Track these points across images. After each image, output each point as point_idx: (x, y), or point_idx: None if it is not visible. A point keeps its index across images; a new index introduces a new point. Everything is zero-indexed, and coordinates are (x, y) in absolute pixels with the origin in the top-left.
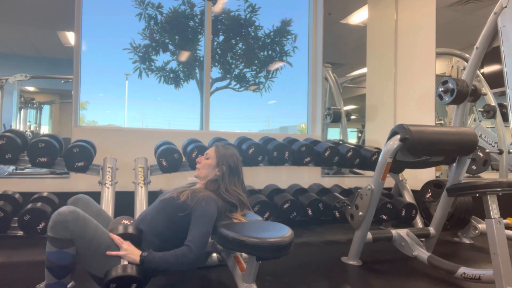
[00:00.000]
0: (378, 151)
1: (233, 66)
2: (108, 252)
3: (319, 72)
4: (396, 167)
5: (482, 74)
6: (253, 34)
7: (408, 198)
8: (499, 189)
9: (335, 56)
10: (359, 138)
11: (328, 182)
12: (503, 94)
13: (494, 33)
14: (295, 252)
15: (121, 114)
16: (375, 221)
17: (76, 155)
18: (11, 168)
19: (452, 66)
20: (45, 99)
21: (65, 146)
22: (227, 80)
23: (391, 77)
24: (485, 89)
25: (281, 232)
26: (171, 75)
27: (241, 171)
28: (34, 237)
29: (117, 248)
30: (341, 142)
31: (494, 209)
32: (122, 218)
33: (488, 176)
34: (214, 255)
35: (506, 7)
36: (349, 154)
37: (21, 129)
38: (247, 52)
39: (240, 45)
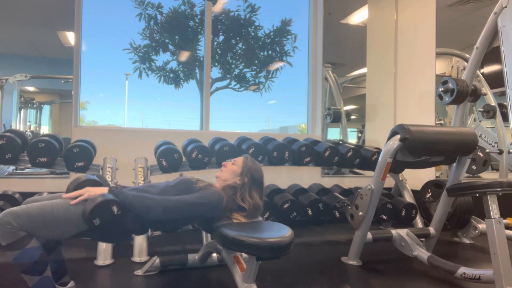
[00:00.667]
0: (378, 151)
1: (233, 66)
2: (72, 202)
3: (319, 72)
4: (396, 167)
5: (482, 74)
6: (253, 34)
7: (408, 198)
8: (499, 189)
9: (335, 56)
10: (359, 138)
11: (328, 182)
12: (503, 94)
13: (494, 33)
14: (295, 252)
15: (121, 114)
16: (375, 221)
17: (76, 155)
18: (11, 168)
19: (452, 66)
20: (45, 99)
21: (65, 146)
22: (227, 80)
23: (391, 77)
24: (485, 89)
25: (281, 232)
26: (171, 75)
27: (263, 186)
28: None
29: (75, 208)
30: (341, 142)
31: (494, 209)
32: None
33: (488, 176)
34: (214, 255)
35: (506, 7)
36: (349, 154)
37: (21, 129)
38: (247, 52)
39: (240, 45)
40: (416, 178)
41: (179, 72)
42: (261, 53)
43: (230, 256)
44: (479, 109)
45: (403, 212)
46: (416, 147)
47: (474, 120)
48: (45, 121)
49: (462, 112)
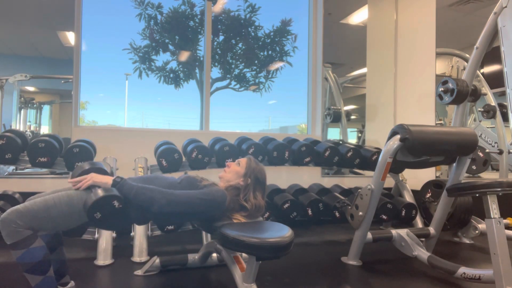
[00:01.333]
0: (378, 151)
1: (233, 66)
2: (76, 186)
3: (319, 72)
4: (396, 167)
5: (482, 74)
6: (253, 34)
7: (408, 198)
8: (499, 189)
9: (335, 56)
10: (359, 138)
11: (328, 182)
12: (503, 94)
13: (494, 33)
14: (295, 252)
15: (121, 114)
16: (375, 221)
17: (76, 155)
18: (11, 168)
19: (452, 66)
20: (45, 99)
21: (65, 146)
22: (227, 80)
23: (391, 77)
24: (485, 89)
25: (281, 232)
26: (171, 75)
27: (265, 187)
28: None
29: (80, 192)
30: (341, 142)
31: (494, 209)
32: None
33: (488, 176)
34: (214, 255)
35: (506, 7)
36: (349, 154)
37: (21, 129)
38: (247, 52)
39: (240, 45)
40: (416, 178)
41: (179, 72)
42: (261, 53)
43: (230, 256)
44: (479, 109)
45: (403, 212)
46: (416, 147)
47: (474, 120)
48: (45, 121)
49: (462, 112)
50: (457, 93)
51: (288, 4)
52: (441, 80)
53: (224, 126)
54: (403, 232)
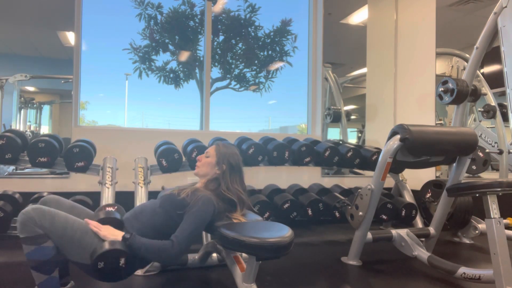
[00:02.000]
0: (378, 151)
1: (233, 66)
2: (91, 226)
3: (319, 72)
4: (396, 167)
5: (482, 74)
6: (253, 34)
7: (408, 198)
8: (499, 189)
9: (335, 56)
10: (359, 138)
11: (328, 182)
12: (503, 94)
13: (494, 33)
14: (295, 252)
15: (121, 114)
16: (375, 221)
17: (76, 155)
18: (11, 168)
19: (452, 66)
20: (45, 99)
21: (65, 146)
22: (227, 80)
23: (391, 77)
24: (485, 89)
25: (281, 232)
26: (171, 75)
27: (242, 170)
28: None
29: (95, 233)
30: (341, 142)
31: (494, 209)
32: (105, 206)
33: (488, 176)
34: (214, 255)
35: (506, 7)
36: (349, 154)
37: (21, 129)
38: (247, 52)
39: (240, 45)
40: (416, 178)
41: (179, 72)
42: (261, 53)
43: (230, 256)
44: (479, 109)
45: (403, 212)
46: (416, 147)
47: (474, 120)
48: (45, 121)
49: (462, 112)
50: (457, 93)
51: (288, 4)
52: (441, 80)
53: (224, 126)
54: (403, 232)
